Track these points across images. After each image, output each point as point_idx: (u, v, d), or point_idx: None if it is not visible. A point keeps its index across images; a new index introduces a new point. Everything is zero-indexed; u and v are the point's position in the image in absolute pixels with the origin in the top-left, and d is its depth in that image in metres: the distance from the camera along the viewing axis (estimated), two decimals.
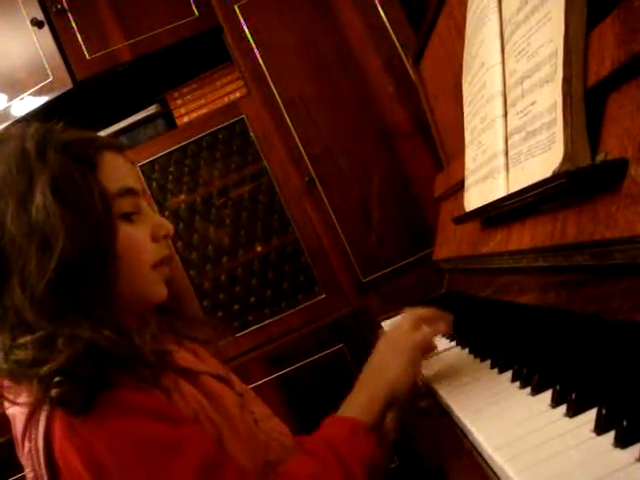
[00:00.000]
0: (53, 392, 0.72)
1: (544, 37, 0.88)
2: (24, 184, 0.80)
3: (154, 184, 2.29)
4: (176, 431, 0.76)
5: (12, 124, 0.89)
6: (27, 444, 0.78)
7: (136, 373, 0.77)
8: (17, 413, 0.80)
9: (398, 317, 1.09)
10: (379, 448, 0.87)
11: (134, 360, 0.78)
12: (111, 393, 0.74)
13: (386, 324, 1.21)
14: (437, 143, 1.90)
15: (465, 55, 1.33)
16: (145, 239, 0.90)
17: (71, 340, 0.74)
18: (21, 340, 0.75)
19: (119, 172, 0.88)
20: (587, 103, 0.80)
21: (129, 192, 0.88)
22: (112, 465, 0.72)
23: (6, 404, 0.81)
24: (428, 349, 0.99)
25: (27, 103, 2.34)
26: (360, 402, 0.92)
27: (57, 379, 0.72)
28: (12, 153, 0.82)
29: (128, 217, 0.87)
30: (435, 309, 1.03)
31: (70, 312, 0.77)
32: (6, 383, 0.79)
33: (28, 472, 0.79)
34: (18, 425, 0.80)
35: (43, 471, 0.76)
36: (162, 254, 0.93)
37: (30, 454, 0.77)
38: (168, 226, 0.95)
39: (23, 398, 0.77)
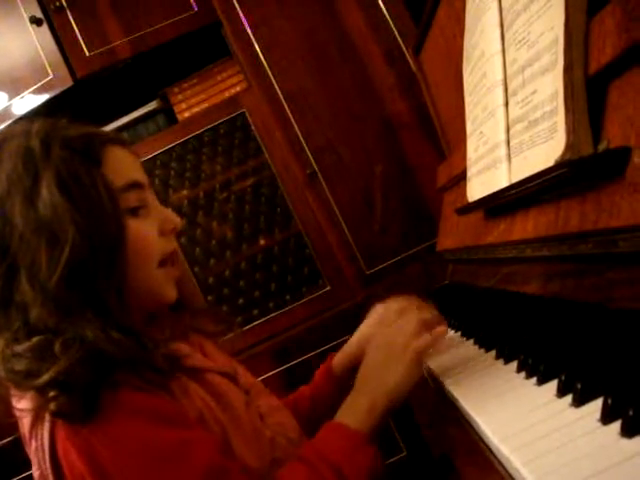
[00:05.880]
0: (51, 406, 0.72)
1: (544, 25, 0.88)
2: (30, 181, 0.80)
3: (156, 180, 2.29)
4: (180, 435, 0.76)
5: (14, 123, 0.89)
6: (34, 443, 0.78)
7: (142, 376, 0.77)
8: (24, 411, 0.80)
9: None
10: (378, 459, 0.85)
11: (142, 364, 0.78)
12: (114, 393, 0.74)
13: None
14: (439, 133, 1.89)
15: (465, 44, 1.33)
16: (152, 233, 0.89)
17: (68, 345, 0.73)
18: (17, 349, 0.75)
19: (124, 166, 0.88)
20: (589, 91, 0.79)
21: (135, 186, 0.88)
22: (114, 470, 0.72)
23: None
24: (426, 354, 0.94)
25: (28, 101, 2.34)
26: (359, 409, 0.88)
27: (52, 393, 0.72)
28: (17, 150, 0.82)
29: (135, 211, 0.87)
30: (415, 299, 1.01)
31: (83, 308, 0.77)
32: (12, 389, 0.79)
33: (35, 470, 0.79)
34: (25, 423, 0.80)
35: (49, 470, 0.76)
36: (169, 248, 0.92)
37: (36, 452, 0.78)
38: (175, 219, 0.94)
39: (25, 404, 0.77)
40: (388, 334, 0.95)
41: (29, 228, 0.78)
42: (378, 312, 1.11)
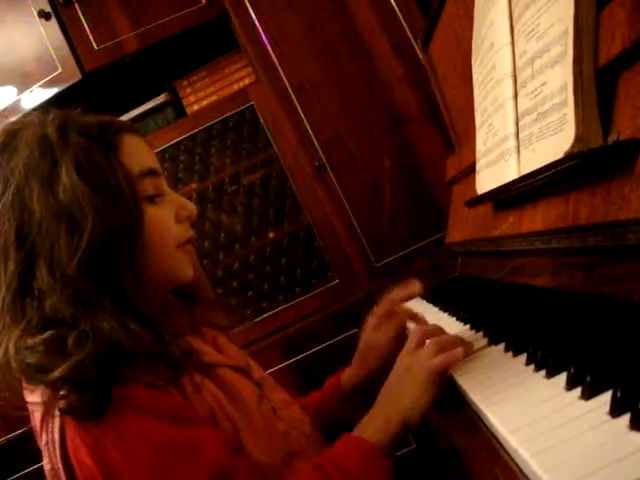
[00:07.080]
0: (60, 403, 0.72)
1: (554, 17, 0.87)
2: (48, 167, 0.80)
3: (165, 173, 2.28)
4: (189, 434, 0.76)
5: (24, 115, 0.89)
6: (44, 436, 0.78)
7: (155, 371, 0.77)
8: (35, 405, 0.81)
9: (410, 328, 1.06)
10: (391, 474, 0.84)
11: (156, 358, 0.78)
12: (124, 389, 0.74)
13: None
14: (448, 126, 1.89)
15: (474, 36, 1.32)
16: (169, 220, 0.90)
17: (81, 341, 0.73)
18: (30, 342, 0.75)
19: (140, 153, 0.89)
20: (598, 83, 0.79)
21: (151, 173, 0.89)
22: (123, 468, 0.72)
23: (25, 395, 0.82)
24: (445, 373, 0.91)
25: (37, 95, 2.35)
26: (375, 425, 0.88)
27: (63, 392, 0.72)
28: (33, 139, 0.82)
29: (151, 199, 0.88)
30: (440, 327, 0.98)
31: (101, 296, 0.77)
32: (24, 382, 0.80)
33: (45, 463, 0.80)
34: (36, 416, 0.80)
35: (59, 464, 0.76)
36: (186, 235, 0.93)
37: (47, 446, 0.78)
38: (191, 207, 0.95)
39: (36, 397, 0.78)
40: (407, 361, 0.92)
41: (48, 213, 0.78)
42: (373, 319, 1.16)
